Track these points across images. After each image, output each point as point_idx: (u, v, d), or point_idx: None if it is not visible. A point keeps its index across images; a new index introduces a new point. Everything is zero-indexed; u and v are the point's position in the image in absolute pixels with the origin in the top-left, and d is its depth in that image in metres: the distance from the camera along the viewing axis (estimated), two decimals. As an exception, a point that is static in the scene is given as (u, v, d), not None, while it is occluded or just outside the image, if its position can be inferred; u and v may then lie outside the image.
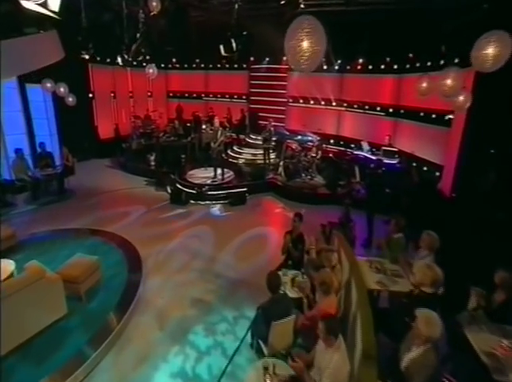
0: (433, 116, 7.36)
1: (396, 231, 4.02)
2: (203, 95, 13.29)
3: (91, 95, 10.83)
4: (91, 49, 6.90)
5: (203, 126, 9.75)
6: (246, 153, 10.21)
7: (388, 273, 3.68)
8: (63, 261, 4.08)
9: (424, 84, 5.21)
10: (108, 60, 11.23)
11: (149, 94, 13.00)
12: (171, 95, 13.77)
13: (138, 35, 6.97)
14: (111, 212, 6.78)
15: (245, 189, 7.62)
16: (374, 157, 8.20)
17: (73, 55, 7.56)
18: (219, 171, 8.09)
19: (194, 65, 13.10)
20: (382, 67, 9.42)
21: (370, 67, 9.55)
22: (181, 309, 4.05)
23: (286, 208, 7.21)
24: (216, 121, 8.10)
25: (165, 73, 13.41)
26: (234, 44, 5.79)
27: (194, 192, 7.37)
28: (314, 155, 8.70)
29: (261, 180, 8.24)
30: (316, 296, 3.21)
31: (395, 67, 8.99)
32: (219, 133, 7.78)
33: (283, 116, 11.82)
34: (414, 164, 7.66)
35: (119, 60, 7.76)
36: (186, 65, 13.18)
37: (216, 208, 7.08)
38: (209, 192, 7.38)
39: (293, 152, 8.91)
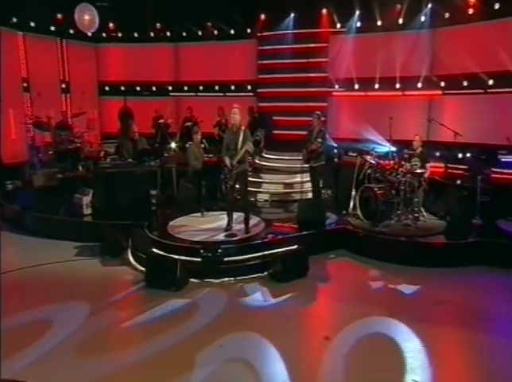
0: None
1: None
2: (170, 87, 12.89)
3: None
4: None
5: (173, 144, 9.71)
6: (270, 183, 9.93)
7: None
8: None
9: None
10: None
11: (62, 85, 12.11)
12: (107, 88, 13.15)
13: None
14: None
15: (297, 247, 7.04)
16: None
17: None
18: (236, 216, 7.59)
19: (152, 34, 12.60)
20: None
21: (497, 5, 8.85)
22: None
23: (391, 279, 6.64)
24: (236, 111, 7.28)
25: (95, 47, 12.79)
26: None
27: (198, 259, 6.65)
28: (421, 171, 7.89)
29: (318, 228, 7.74)
30: None
31: None
32: (241, 136, 7.11)
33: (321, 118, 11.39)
34: None
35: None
36: (136, 34, 12.56)
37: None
38: (227, 258, 6.73)
39: (378, 168, 8.15)
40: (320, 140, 8.33)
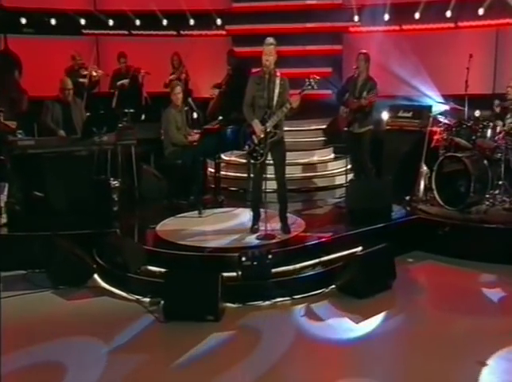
0: None
1: None
2: (82, 20, 12.98)
3: None
4: None
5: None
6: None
7: None
8: None
9: None
10: None
11: None
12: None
13: None
14: None
15: (381, 247, 7.15)
16: None
17: None
18: (265, 212, 7.78)
19: None
20: None
21: None
22: None
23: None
24: (272, 49, 7.35)
25: None
26: None
27: (233, 274, 6.99)
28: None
29: (382, 221, 8.15)
30: None
31: None
32: (277, 86, 7.41)
33: (328, 69, 11.50)
34: None
35: None
36: None
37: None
38: (275, 270, 7.03)
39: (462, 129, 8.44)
40: (365, 94, 8.49)
